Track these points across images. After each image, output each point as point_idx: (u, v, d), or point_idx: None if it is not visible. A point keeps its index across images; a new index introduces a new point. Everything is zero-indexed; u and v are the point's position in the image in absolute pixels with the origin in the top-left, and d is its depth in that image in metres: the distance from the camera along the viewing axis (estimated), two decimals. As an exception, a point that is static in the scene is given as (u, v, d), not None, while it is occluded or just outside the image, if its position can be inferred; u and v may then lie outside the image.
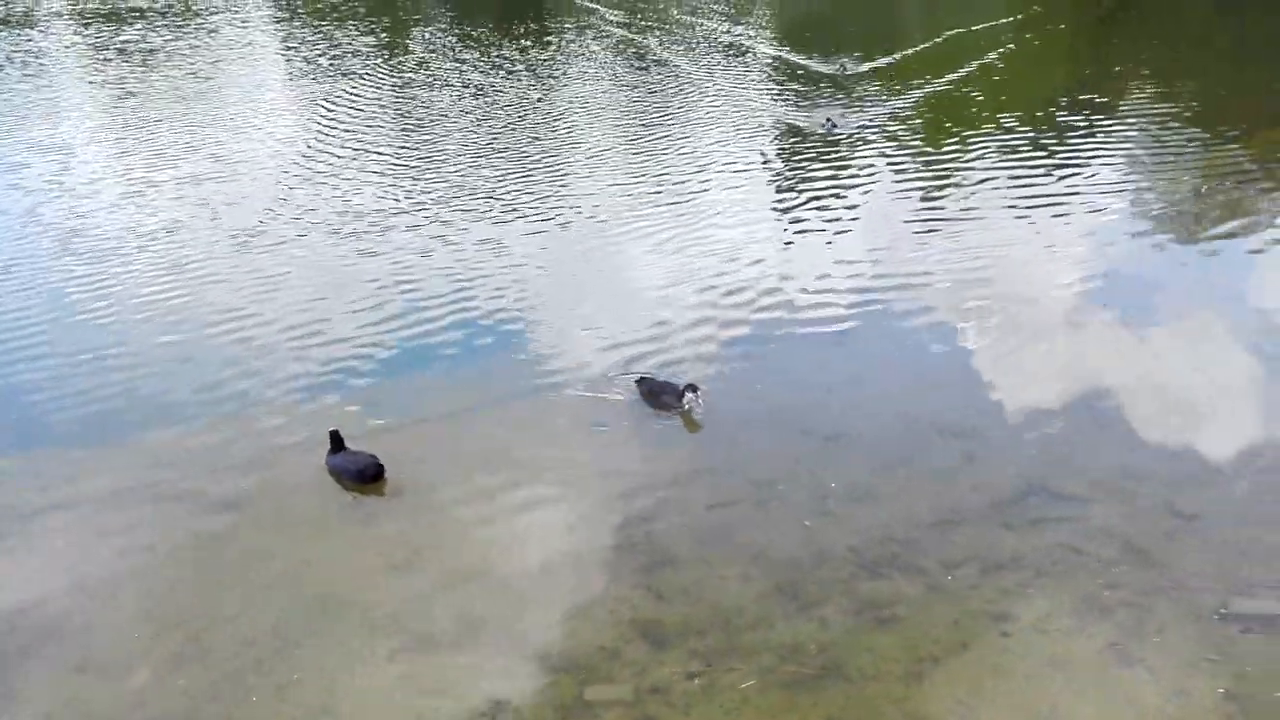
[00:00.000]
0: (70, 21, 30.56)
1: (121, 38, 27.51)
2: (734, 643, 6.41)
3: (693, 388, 8.73)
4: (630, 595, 6.85)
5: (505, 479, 8.10)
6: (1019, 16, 28.14)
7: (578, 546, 7.34)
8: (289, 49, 26.36)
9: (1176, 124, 17.55)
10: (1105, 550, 6.98)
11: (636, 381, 9.16)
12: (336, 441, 8.21)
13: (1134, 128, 17.49)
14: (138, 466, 8.32)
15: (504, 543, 7.39)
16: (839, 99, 19.28)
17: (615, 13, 30.77)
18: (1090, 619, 6.44)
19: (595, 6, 32.08)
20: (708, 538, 7.40)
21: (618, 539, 7.40)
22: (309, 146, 17.25)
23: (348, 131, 18.25)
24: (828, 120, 17.09)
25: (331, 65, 23.85)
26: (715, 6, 31.76)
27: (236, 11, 32.52)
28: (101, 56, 25.26)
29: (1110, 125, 17.54)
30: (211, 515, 7.74)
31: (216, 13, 32.15)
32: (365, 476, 8.02)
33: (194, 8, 32.86)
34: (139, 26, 29.19)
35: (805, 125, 17.44)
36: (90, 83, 22.76)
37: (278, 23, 30.67)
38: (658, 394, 8.89)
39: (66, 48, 26.69)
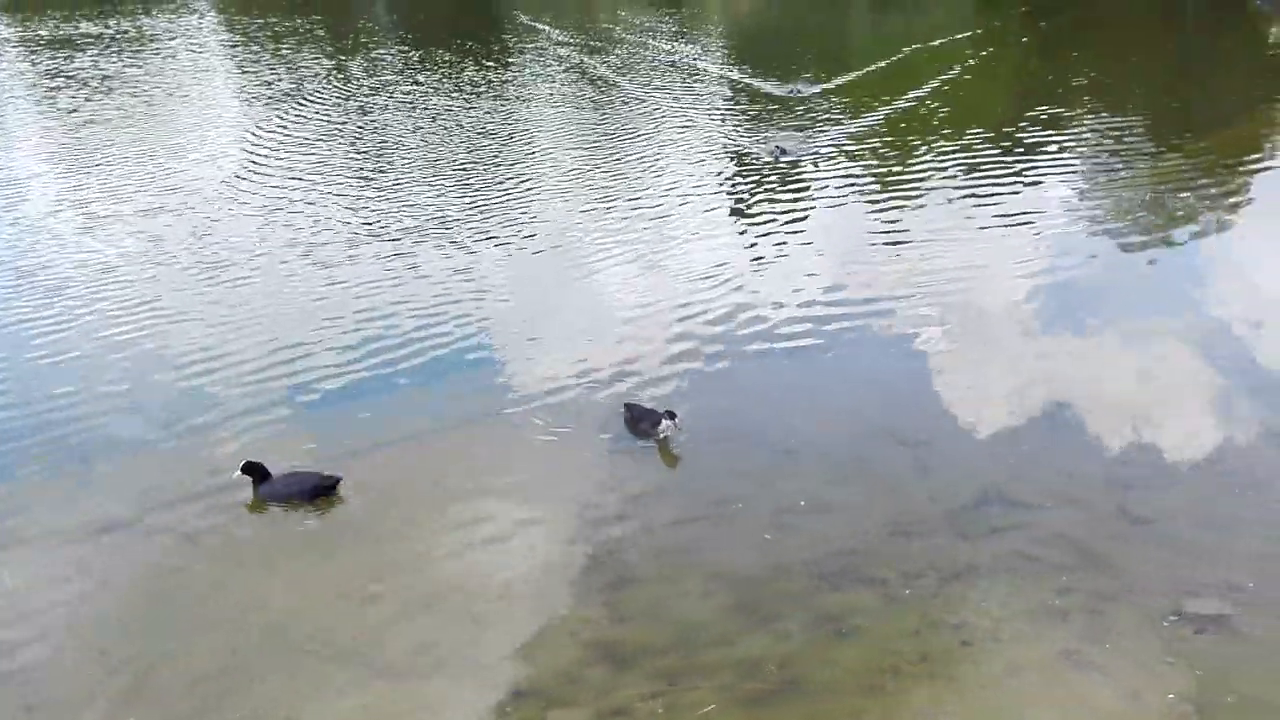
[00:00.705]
0: (20, 49, 30.20)
1: (75, 65, 27.21)
2: (695, 661, 6.40)
3: (670, 414, 8.56)
4: (592, 616, 6.82)
5: (464, 503, 8.05)
6: (979, 31, 28.61)
7: (539, 569, 7.30)
8: (245, 75, 26.22)
9: (1126, 134, 17.94)
10: (1059, 556, 7.06)
11: (625, 406, 9.03)
12: (260, 472, 8.07)
13: (1086, 139, 17.84)
14: (90, 501, 8.16)
15: (464, 567, 7.34)
16: (792, 123, 19.19)
17: (560, 32, 30.85)
18: (1046, 625, 6.50)
19: (541, 26, 32.18)
20: (669, 555, 7.40)
21: (579, 560, 7.37)
22: (266, 174, 17.14)
23: (306, 157, 18.16)
24: (777, 148, 16.78)
25: (289, 91, 23.74)
26: (662, 25, 31.94)
27: (192, 37, 32.33)
28: (54, 84, 24.95)
29: (1063, 137, 17.87)
30: (164, 549, 7.60)
31: (173, 38, 31.94)
32: (323, 489, 8.02)
33: (148, 33, 32.62)
34: (92, 53, 28.90)
35: (756, 153, 17.17)
36: (42, 112, 22.48)
37: (234, 48, 30.52)
38: (637, 421, 8.75)
39: (17, 75, 26.36)
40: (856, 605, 6.74)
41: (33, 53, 29.43)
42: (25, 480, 8.52)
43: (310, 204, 15.37)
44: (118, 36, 31.86)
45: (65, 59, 28.15)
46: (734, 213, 14.49)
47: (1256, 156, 16.76)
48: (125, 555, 7.57)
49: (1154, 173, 15.88)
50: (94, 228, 14.63)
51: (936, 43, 26.98)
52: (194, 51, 29.64)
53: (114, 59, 28.02)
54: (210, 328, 11.22)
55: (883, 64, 24.45)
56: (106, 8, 40.23)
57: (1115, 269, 12.29)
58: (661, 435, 8.56)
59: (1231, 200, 14.69)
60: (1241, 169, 16.22)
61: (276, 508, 8.02)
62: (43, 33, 32.90)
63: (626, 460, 8.54)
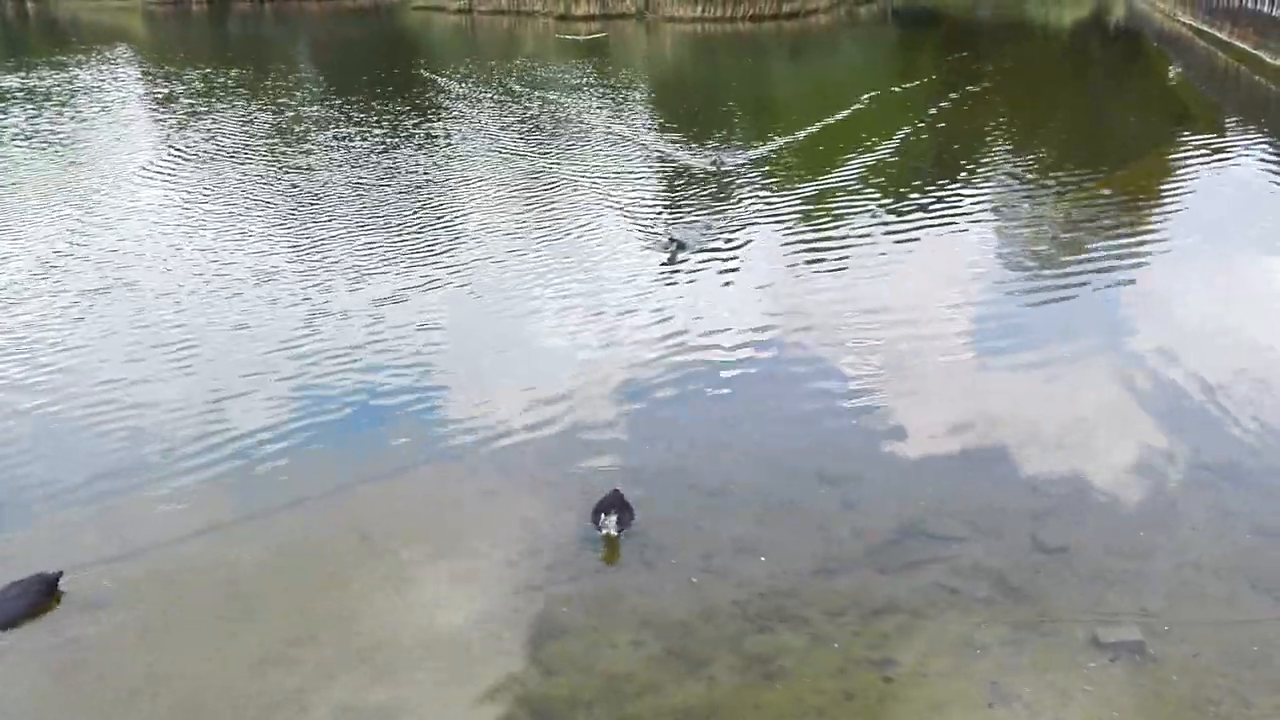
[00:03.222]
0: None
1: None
2: (624, 713, 6.32)
3: (606, 511, 7.90)
4: (520, 672, 6.71)
5: (389, 558, 7.90)
6: (907, 85, 29.42)
7: (465, 624, 7.17)
8: (169, 129, 25.91)
9: (1047, 172, 18.65)
10: (979, 588, 7.17)
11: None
12: None
13: (1006, 179, 18.45)
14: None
15: (388, 625, 7.17)
16: (708, 202, 17.45)
17: (475, 88, 30.72)
18: (968, 658, 6.57)
19: (438, 79, 32.32)
20: (597, 604, 7.33)
21: (504, 613, 7.27)
22: (191, 227, 16.91)
23: (231, 208, 17.95)
24: (671, 240, 14.72)
25: (213, 144, 23.51)
26: (582, 81, 32.00)
27: (116, 91, 31.88)
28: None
29: (983, 178, 18.51)
30: (70, 617, 7.30)
31: (97, 92, 31.45)
32: (48, 594, 7.39)
33: (71, 88, 32.07)
34: (15, 108, 28.29)
35: (649, 245, 15.11)
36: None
37: (158, 101, 30.17)
38: (599, 512, 8.07)
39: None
40: (782, 646, 6.74)
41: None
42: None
43: (236, 257, 15.15)
44: (40, 91, 31.26)
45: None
46: (660, 259, 14.49)
47: (1163, 189, 17.50)
48: (27, 627, 7.23)
49: (1071, 209, 16.46)
50: (8, 297, 14.16)
51: (870, 95, 27.27)
52: (118, 106, 29.21)
53: (38, 115, 27.46)
54: (132, 379, 10.93)
55: (811, 129, 23.46)
56: (25, 59, 39.56)
57: (1033, 304, 12.64)
58: (602, 530, 7.93)
59: (1143, 233, 15.27)
60: (1150, 202, 16.92)
61: (190, 574, 7.77)
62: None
63: (553, 510, 8.48)
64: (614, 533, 7.80)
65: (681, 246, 14.51)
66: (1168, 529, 7.84)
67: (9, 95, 30.65)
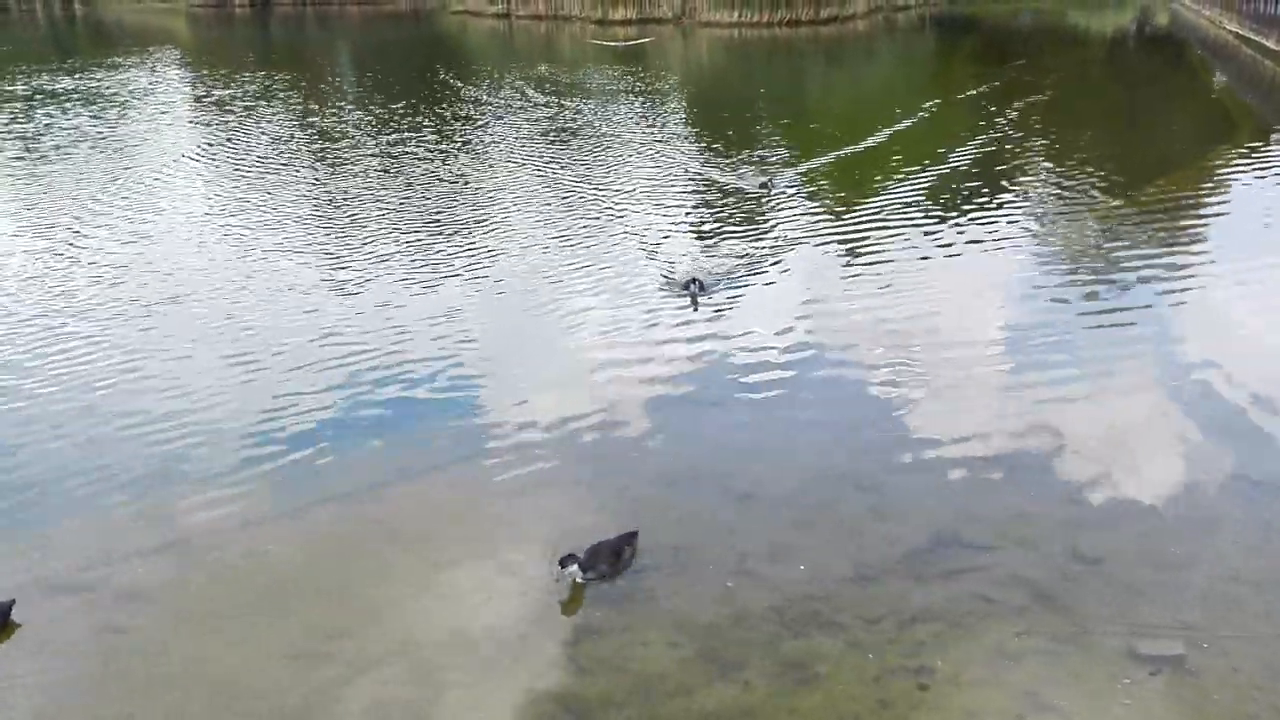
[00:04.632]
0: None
1: (39, 124, 27.20)
2: (656, 713, 6.34)
3: (564, 561, 7.50)
4: (551, 670, 6.76)
5: (420, 555, 7.98)
6: (963, 95, 29.11)
7: (496, 621, 7.23)
8: (211, 132, 26.33)
9: (1087, 182, 18.39)
10: (1015, 598, 7.11)
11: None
12: None
13: (1056, 192, 18.24)
14: (33, 561, 8.01)
15: (419, 622, 7.24)
16: (745, 227, 16.44)
17: (507, 93, 30.84)
18: (1004, 668, 6.52)
19: (480, 85, 32.51)
20: (631, 605, 7.36)
21: (537, 611, 7.31)
22: (230, 228, 17.19)
23: (269, 211, 18.22)
24: (693, 281, 13.50)
25: (268, 150, 23.90)
26: (623, 89, 31.98)
27: (173, 96, 32.48)
28: (13, 145, 24.92)
29: (1023, 188, 18.30)
30: (110, 608, 7.46)
31: (139, 96, 32.04)
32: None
33: (131, 88, 32.69)
34: (55, 111, 28.91)
35: (667, 288, 13.76)
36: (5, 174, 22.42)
37: (200, 106, 30.67)
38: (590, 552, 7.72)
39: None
40: (817, 652, 6.73)
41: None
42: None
43: (283, 262, 15.38)
44: (82, 93, 31.92)
45: (46, 117, 28.14)
46: (697, 256, 14.49)
47: (1207, 200, 17.24)
48: (70, 616, 7.40)
49: (1111, 220, 16.25)
50: (58, 297, 14.43)
51: (934, 103, 26.92)
52: (173, 109, 29.76)
53: (81, 117, 28.04)
54: (166, 383, 11.11)
55: (861, 146, 22.52)
56: (77, 61, 40.39)
57: (1074, 316, 12.44)
58: (555, 577, 7.52)
59: (1186, 244, 15.05)
60: (1194, 214, 16.67)
61: (228, 565, 7.90)
62: (13, 88, 32.92)
63: (586, 510, 8.52)
64: (579, 579, 7.47)
65: (702, 288, 13.45)
66: (1206, 541, 7.72)
67: (67, 96, 31.30)
